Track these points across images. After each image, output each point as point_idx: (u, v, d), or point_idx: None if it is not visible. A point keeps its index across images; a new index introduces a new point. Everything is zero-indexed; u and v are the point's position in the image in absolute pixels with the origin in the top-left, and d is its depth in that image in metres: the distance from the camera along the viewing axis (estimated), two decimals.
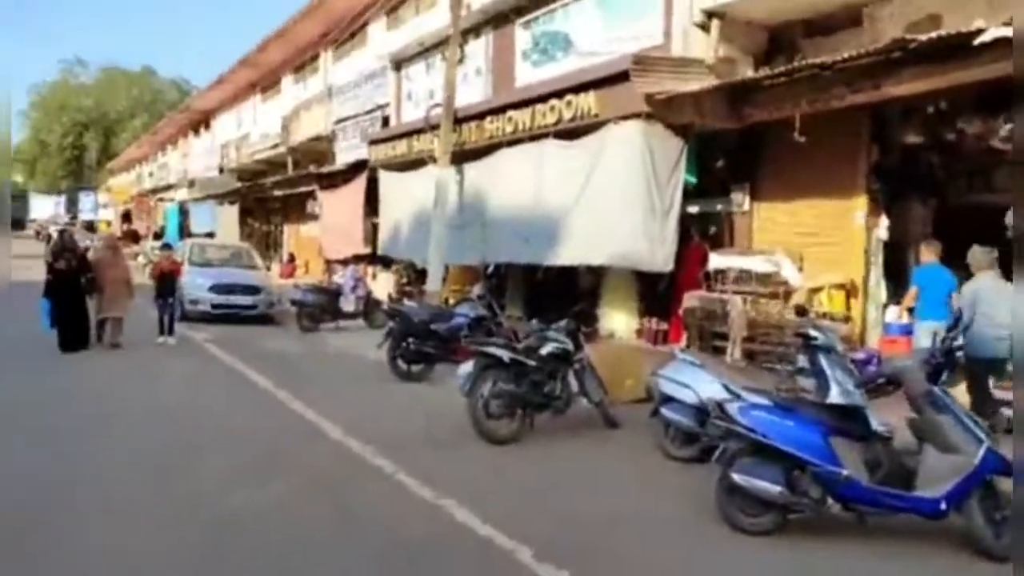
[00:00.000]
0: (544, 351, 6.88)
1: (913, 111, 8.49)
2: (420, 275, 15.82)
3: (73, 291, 10.48)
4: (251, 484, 5.16)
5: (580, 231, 10.09)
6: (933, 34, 6.70)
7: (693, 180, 9.99)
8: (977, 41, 5.58)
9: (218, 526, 4.41)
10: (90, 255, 11.55)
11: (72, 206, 73.84)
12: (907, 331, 8.05)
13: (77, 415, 7.03)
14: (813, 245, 9.25)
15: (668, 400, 6.26)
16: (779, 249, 9.28)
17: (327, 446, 6.27)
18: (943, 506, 4.29)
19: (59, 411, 7.15)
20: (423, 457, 5.96)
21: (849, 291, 9.02)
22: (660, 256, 9.27)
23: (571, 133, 10.36)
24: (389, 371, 9.48)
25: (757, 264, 9.30)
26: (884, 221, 9.05)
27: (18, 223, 78.29)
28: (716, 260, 9.81)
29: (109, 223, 53.25)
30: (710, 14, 9.47)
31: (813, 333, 5.57)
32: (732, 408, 4.65)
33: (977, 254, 6.96)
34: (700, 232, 10.91)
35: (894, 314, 8.41)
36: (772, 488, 4.42)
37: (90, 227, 58.09)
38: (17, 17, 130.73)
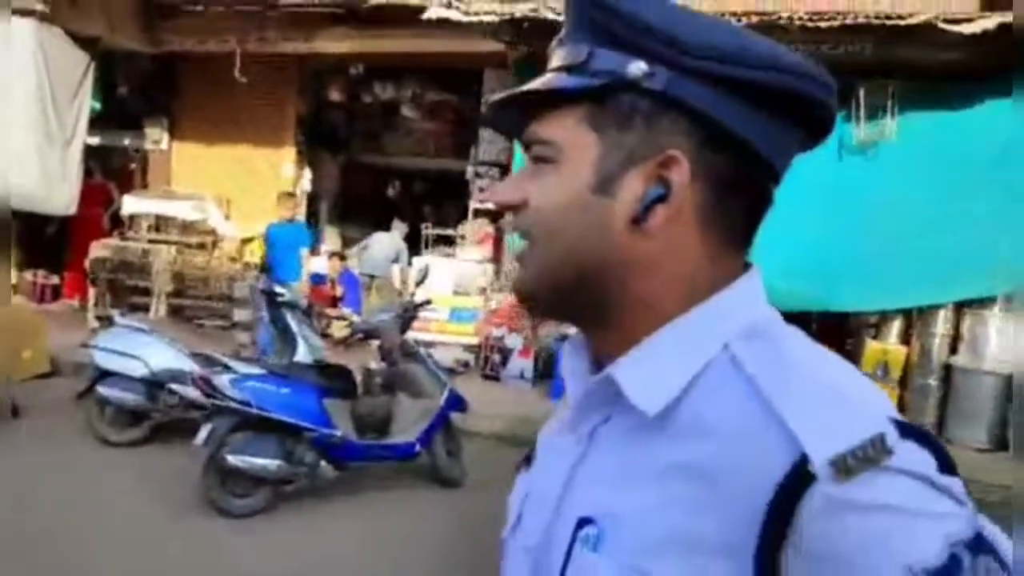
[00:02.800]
0: None
1: (339, 70, 8.87)
2: None
3: None
4: None
5: None
6: None
7: (98, 107, 8.40)
8: (425, 16, 6.08)
9: None
10: None
11: None
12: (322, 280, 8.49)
13: None
14: (240, 193, 8.90)
15: (106, 375, 5.18)
16: (206, 195, 8.61)
17: None
18: (417, 448, 4.65)
19: None
20: None
21: None
22: (61, 196, 7.54)
23: None
24: None
25: (183, 210, 8.43)
26: (308, 173, 9.31)
27: None
28: (131, 204, 8.50)
29: None
30: None
31: (279, 290, 5.36)
32: (222, 381, 4.07)
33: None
34: (102, 169, 9.32)
35: (322, 264, 8.78)
36: (271, 463, 4.08)
37: None
38: None
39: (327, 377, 4.51)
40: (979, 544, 0.53)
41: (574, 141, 0.63)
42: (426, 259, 6.57)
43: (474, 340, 7.73)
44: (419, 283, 5.08)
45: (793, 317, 0.66)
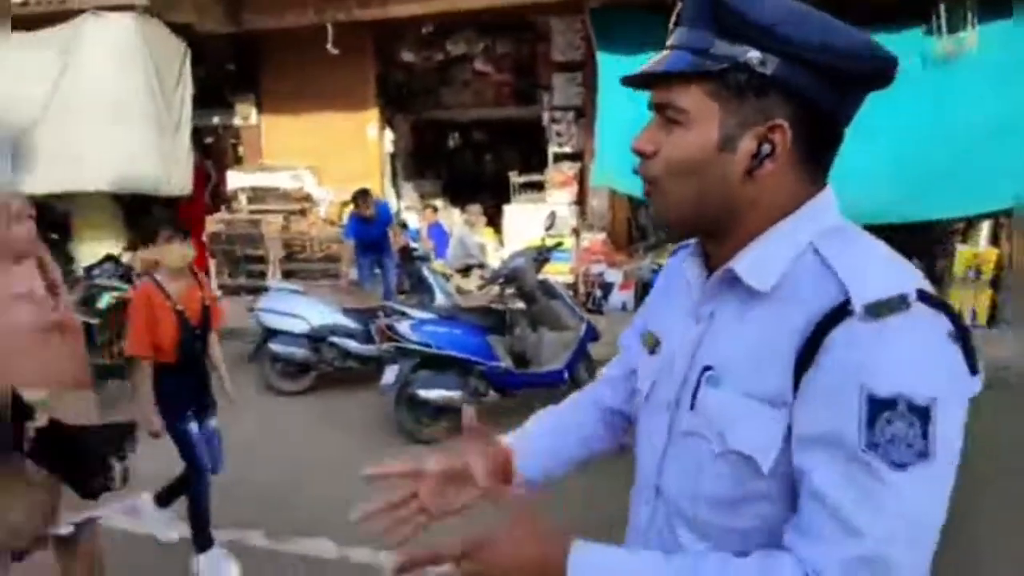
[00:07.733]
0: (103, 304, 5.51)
1: (408, 30, 9.21)
2: None
3: None
4: None
5: (52, 151, 7.98)
6: None
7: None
8: None
9: None
10: None
11: None
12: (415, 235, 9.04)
13: None
14: (328, 159, 9.37)
15: (274, 334, 5.81)
16: (299, 164, 9.14)
17: None
18: (566, 374, 5.20)
19: None
20: None
21: None
22: (179, 178, 8.11)
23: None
24: None
25: (282, 181, 8.99)
26: (389, 134, 9.75)
27: None
28: (235, 179, 9.09)
29: None
30: None
31: (414, 245, 5.89)
32: (403, 327, 4.65)
33: None
34: (197, 148, 9.86)
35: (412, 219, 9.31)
36: (453, 394, 4.68)
37: None
38: None
39: (483, 317, 5.06)
40: (924, 413, 0.69)
41: (701, 109, 0.82)
42: (552, 207, 7.02)
43: (570, 278, 8.23)
44: (548, 228, 5.57)
45: (878, 228, 0.85)
